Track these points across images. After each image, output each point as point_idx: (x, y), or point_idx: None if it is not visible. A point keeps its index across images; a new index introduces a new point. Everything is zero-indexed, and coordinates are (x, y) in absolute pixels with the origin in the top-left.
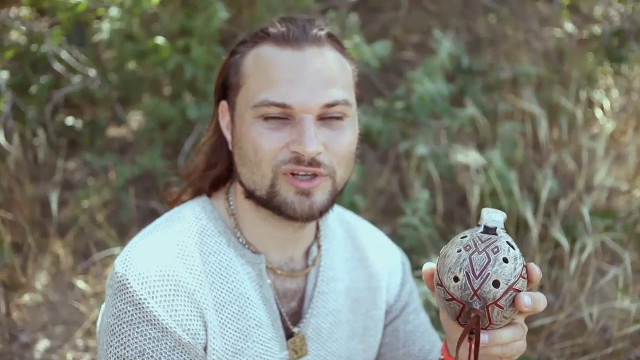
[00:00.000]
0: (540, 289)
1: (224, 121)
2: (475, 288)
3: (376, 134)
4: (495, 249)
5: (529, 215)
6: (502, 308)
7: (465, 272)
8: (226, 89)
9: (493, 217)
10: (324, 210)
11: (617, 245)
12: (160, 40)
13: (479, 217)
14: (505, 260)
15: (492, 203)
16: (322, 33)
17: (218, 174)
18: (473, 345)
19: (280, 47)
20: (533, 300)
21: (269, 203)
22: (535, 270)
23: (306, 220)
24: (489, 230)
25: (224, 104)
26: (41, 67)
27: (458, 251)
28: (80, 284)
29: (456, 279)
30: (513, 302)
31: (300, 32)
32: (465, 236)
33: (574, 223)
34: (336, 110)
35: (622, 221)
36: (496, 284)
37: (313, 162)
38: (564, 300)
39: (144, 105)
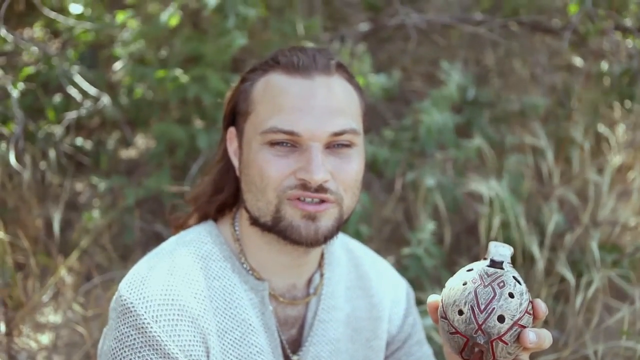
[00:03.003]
0: (545, 324)
1: (232, 147)
2: (480, 322)
3: (382, 163)
4: (502, 284)
5: (535, 248)
6: (507, 344)
7: (470, 305)
8: (235, 116)
9: (500, 251)
10: (328, 236)
11: (623, 282)
12: (178, 72)
13: (487, 248)
14: (511, 295)
15: (498, 236)
16: (332, 62)
17: (224, 199)
18: None
19: (289, 76)
20: (538, 337)
21: (274, 228)
22: (541, 306)
23: (311, 245)
24: (496, 264)
25: (232, 130)
26: (52, 88)
27: (464, 284)
28: (81, 306)
29: (461, 313)
30: (518, 338)
31: (309, 61)
32: (472, 269)
33: (580, 258)
34: (344, 139)
35: (628, 257)
36: (501, 319)
37: (320, 189)
38: (569, 336)
39: (153, 128)
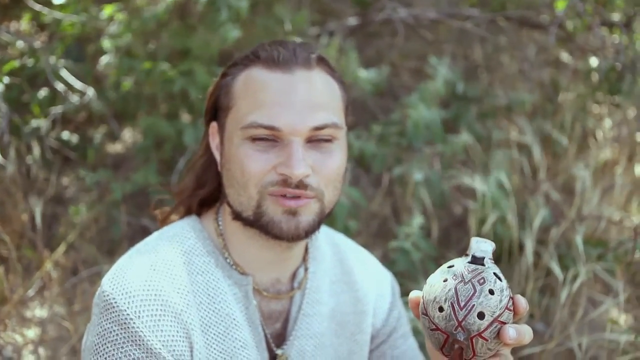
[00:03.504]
0: (531, 317)
1: (214, 142)
2: (460, 319)
3: (370, 158)
4: (482, 280)
5: (528, 243)
6: (487, 340)
7: (451, 302)
8: (217, 111)
9: (482, 246)
10: (310, 231)
11: (608, 276)
12: (165, 66)
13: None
14: (491, 291)
15: (485, 230)
16: (313, 56)
17: (207, 194)
18: None
19: (269, 70)
20: (518, 333)
21: (256, 223)
22: (522, 302)
23: (292, 239)
24: (477, 260)
25: (214, 125)
26: (38, 82)
27: (444, 281)
28: (67, 300)
29: (441, 309)
30: (498, 334)
31: (290, 55)
32: (452, 265)
33: (565, 252)
34: (325, 133)
35: (613, 251)
36: (481, 315)
37: (300, 185)
38: (554, 329)
39: (140, 123)
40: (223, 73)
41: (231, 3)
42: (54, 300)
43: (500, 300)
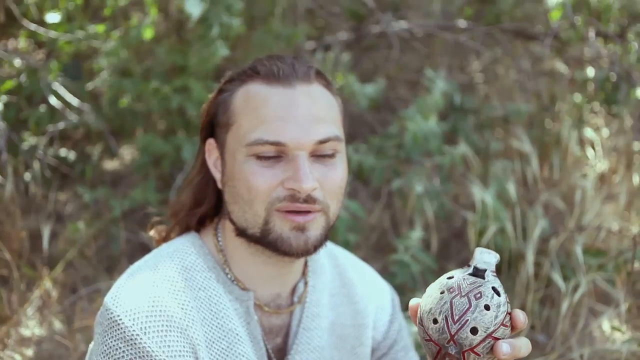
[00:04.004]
0: (532, 329)
1: (211, 159)
2: (452, 333)
3: (369, 171)
4: (479, 295)
5: (529, 254)
6: (479, 355)
7: (445, 315)
8: (214, 127)
9: (485, 258)
10: (318, 246)
11: (609, 286)
12: (159, 84)
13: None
14: (487, 307)
15: (485, 241)
16: (311, 70)
17: (205, 211)
18: None
19: (270, 85)
20: (513, 348)
21: (263, 240)
22: (520, 317)
23: (301, 255)
24: (478, 272)
25: (211, 142)
26: (36, 100)
27: (441, 292)
28: (67, 318)
29: (435, 322)
30: (492, 349)
31: (289, 70)
32: (452, 277)
33: (565, 262)
34: (328, 147)
35: (613, 260)
36: (474, 331)
37: (309, 199)
38: (556, 340)
39: (138, 140)
40: (219, 89)
41: (223, 20)
42: (53, 319)
43: (496, 317)
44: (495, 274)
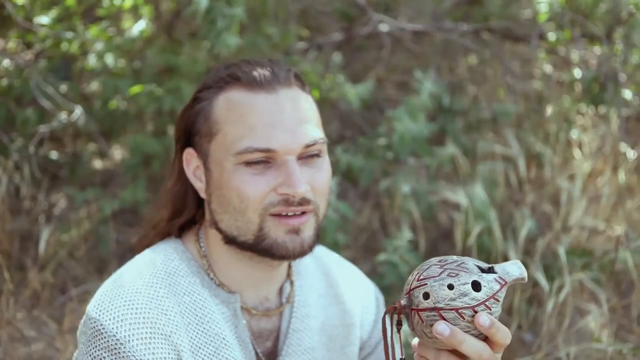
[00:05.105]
0: (519, 328)
1: (190, 168)
2: (411, 287)
3: (357, 172)
4: (454, 274)
5: (512, 254)
6: (423, 322)
7: (418, 272)
8: (191, 136)
9: (508, 267)
10: (312, 246)
11: (594, 285)
12: (152, 86)
13: (464, 254)
14: (450, 287)
15: (471, 242)
16: (290, 73)
17: (185, 220)
18: (389, 333)
19: (253, 92)
20: (492, 324)
21: (256, 247)
22: (479, 320)
23: (298, 257)
24: (489, 270)
25: (190, 151)
26: (26, 101)
27: (437, 260)
28: (57, 319)
29: (411, 274)
30: (432, 326)
31: (270, 75)
32: (466, 262)
33: (551, 262)
34: (315, 149)
35: (598, 260)
36: (426, 295)
37: (303, 201)
38: (542, 339)
39: (128, 141)
40: (194, 97)
41: (226, 12)
42: (43, 320)
43: (453, 299)
44: (501, 283)
